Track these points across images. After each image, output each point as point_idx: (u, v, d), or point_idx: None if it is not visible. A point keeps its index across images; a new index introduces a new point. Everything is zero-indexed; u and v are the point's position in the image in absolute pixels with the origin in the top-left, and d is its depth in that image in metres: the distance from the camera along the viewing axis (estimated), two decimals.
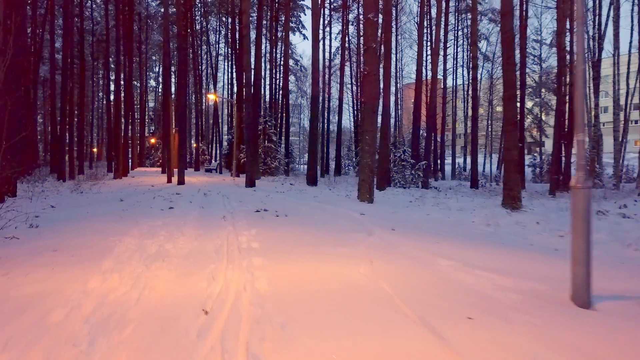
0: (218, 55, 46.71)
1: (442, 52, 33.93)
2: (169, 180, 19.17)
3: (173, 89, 35.66)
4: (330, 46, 38.82)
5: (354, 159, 41.40)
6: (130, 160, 41.50)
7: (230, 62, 41.70)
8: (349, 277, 4.00)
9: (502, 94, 10.44)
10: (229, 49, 41.55)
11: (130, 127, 39.49)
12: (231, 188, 16.29)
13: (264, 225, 7.14)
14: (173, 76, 42.87)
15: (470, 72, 24.82)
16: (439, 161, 36.34)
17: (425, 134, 30.63)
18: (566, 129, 21.38)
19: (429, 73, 27.80)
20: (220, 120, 49.35)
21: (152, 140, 52.74)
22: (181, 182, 17.96)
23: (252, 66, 17.47)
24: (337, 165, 37.07)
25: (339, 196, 13.32)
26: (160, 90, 59.45)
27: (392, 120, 50.60)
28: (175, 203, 10.67)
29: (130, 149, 42.35)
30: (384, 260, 4.61)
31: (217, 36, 46.60)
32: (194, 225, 7.22)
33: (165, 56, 18.68)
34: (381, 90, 17.50)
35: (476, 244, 5.76)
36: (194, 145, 45.83)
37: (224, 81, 50.96)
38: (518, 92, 38.80)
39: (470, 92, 45.56)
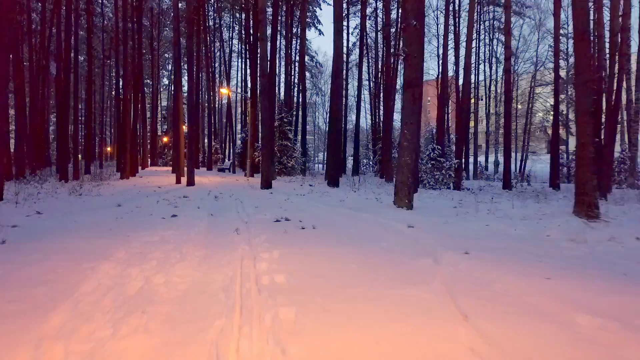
0: (232, 53, 45.25)
1: (464, 45, 31.98)
2: (178, 181, 17.70)
3: (186, 86, 34.32)
4: (347, 40, 37.02)
5: (372, 158, 39.69)
6: (141, 160, 40.40)
7: (243, 60, 40.17)
8: (450, 358, 2.32)
9: (574, 79, 8.63)
10: (243, 46, 40.05)
11: (140, 125, 38.33)
12: (245, 190, 14.73)
13: (288, 242, 5.49)
14: (185, 73, 41.82)
15: (503, 64, 22.85)
16: (462, 160, 34.36)
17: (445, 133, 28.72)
18: (602, 126, 19.26)
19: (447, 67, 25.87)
20: (233, 119, 48.04)
21: (165, 139, 51.73)
22: (191, 183, 16.46)
23: (268, 58, 15.87)
24: (355, 164, 35.38)
25: (368, 200, 11.61)
26: (171, 88, 58.40)
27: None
28: (181, 209, 9.11)
29: (141, 148, 41.27)
30: (486, 315, 2.91)
31: (231, 32, 45.12)
32: (199, 242, 5.61)
33: (175, 46, 17.22)
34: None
35: (593, 278, 4.01)
36: (206, 143, 44.56)
37: (237, 79, 49.70)
38: (551, 88, 36.47)
39: (502, 85, 43.43)
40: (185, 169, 17.36)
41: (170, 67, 57.17)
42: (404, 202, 9.34)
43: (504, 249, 5.37)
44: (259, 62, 15.39)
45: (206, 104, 44.20)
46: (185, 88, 28.02)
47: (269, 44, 15.25)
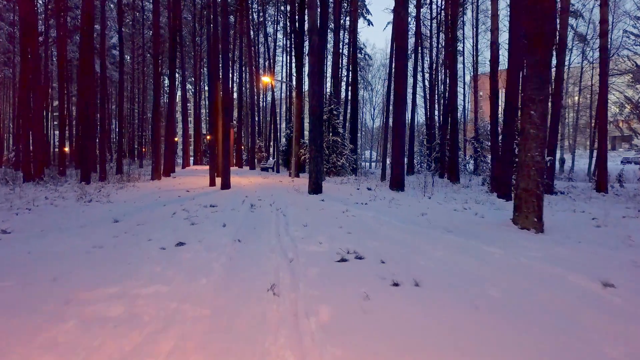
0: (276, 48, 42.67)
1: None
2: (212, 183, 15.13)
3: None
4: None
5: (428, 156, 35.99)
6: (182, 158, 38.80)
7: (288, 53, 37.36)
8: None
9: None
10: (287, 40, 37.30)
11: (182, 123, 36.67)
12: (290, 195, 11.85)
13: (382, 346, 2.46)
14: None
15: (599, 40, 18.61)
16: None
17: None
18: None
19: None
20: (278, 117, 45.69)
21: (209, 137, 50.17)
22: (225, 185, 13.81)
23: (318, 28, 12.84)
24: (410, 162, 31.93)
25: (459, 213, 8.35)
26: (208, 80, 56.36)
27: (459, 113, 44.29)
28: (197, 229, 6.31)
29: (182, 147, 39.70)
30: None
31: (275, 26, 42.57)
32: (195, 328, 2.71)
33: (212, 28, 14.61)
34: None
35: None
36: (249, 141, 42.41)
37: (282, 75, 47.12)
38: (626, 78, 31.32)
39: (568, 73, 38.44)
40: (232, 168, 14.74)
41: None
42: (530, 220, 6.06)
43: None
44: (307, 35, 12.52)
45: (249, 101, 42.04)
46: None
47: (319, 11, 12.25)
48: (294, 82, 23.25)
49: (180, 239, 5.41)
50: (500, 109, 15.58)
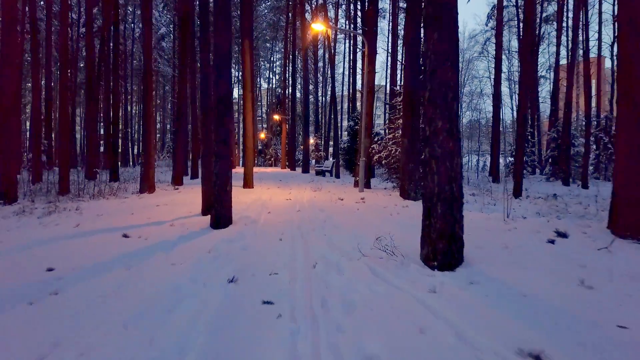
0: (337, 33, 34.96)
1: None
2: (205, 211, 7.68)
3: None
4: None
5: (534, 155, 26.92)
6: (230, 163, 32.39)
7: (352, 40, 29.46)
8: None
9: None
10: (351, 25, 29.43)
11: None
12: (369, 274, 4.05)
13: None
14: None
15: None
16: None
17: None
18: None
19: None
20: (339, 116, 38.38)
21: (262, 136, 44.41)
22: (221, 219, 6.34)
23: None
24: (519, 165, 23.01)
25: None
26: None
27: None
28: None
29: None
30: None
31: (336, 11, 34.86)
32: None
33: None
34: None
35: None
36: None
37: (343, 67, 39.98)
38: None
39: None
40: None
41: (272, 57, 47.95)
42: None
43: None
44: None
45: (301, 93, 34.63)
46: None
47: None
48: (362, 31, 15.12)
49: None
50: None
